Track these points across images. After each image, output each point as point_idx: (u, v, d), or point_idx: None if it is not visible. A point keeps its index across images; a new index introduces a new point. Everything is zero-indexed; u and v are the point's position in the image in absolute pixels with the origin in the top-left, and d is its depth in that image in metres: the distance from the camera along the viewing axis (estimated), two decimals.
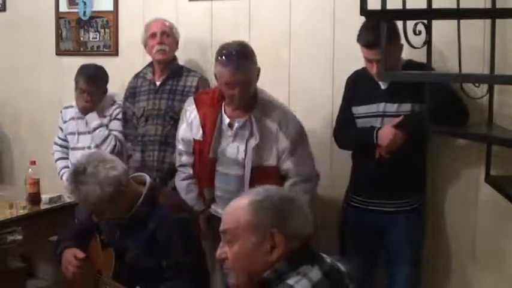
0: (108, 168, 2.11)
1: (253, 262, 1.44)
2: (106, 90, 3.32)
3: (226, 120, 2.62)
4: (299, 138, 2.61)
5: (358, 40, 2.56)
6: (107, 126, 3.26)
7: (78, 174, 2.11)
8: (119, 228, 2.22)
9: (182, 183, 2.77)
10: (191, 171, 2.75)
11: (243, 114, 2.59)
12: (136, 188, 2.22)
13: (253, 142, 2.56)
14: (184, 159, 2.76)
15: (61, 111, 3.47)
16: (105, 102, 3.32)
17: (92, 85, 3.22)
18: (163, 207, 2.19)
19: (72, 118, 3.38)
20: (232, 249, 1.46)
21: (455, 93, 2.50)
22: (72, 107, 3.40)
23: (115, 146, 3.21)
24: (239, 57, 2.48)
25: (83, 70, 3.25)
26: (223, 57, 2.50)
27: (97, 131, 3.24)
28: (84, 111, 3.27)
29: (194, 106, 2.70)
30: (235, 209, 1.49)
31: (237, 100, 2.54)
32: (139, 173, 2.39)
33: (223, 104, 2.64)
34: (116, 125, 3.28)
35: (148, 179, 2.27)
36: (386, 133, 2.53)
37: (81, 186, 2.09)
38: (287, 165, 2.59)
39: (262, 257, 1.42)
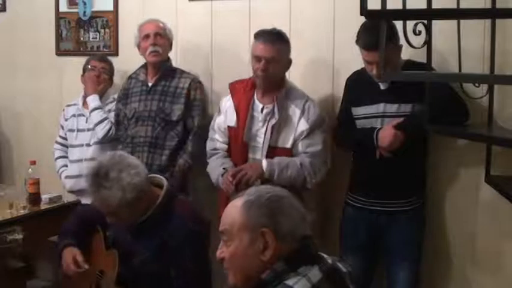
0: (133, 174, 2.07)
1: (247, 262, 1.45)
2: (112, 80, 3.42)
3: (259, 106, 2.75)
4: (318, 124, 2.70)
5: (357, 42, 2.55)
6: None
7: (99, 177, 2.06)
8: (130, 230, 2.18)
9: (217, 160, 2.83)
10: (225, 153, 2.85)
11: (272, 101, 2.71)
12: (154, 192, 2.19)
13: (273, 121, 2.67)
14: (219, 144, 2.87)
15: (63, 110, 3.49)
16: (106, 99, 3.35)
17: (103, 62, 3.36)
18: (179, 217, 2.14)
19: (73, 115, 3.40)
20: (228, 249, 1.48)
21: (455, 92, 2.50)
22: (74, 105, 3.43)
23: (110, 129, 3.22)
24: (271, 35, 2.68)
25: (93, 55, 3.46)
26: (258, 33, 2.73)
27: (96, 111, 3.25)
28: (91, 89, 3.31)
29: (229, 96, 2.84)
30: (231, 209, 1.50)
31: (259, 73, 2.67)
32: (155, 175, 2.34)
33: (255, 91, 2.77)
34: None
35: (165, 183, 2.22)
36: (386, 134, 2.53)
37: (103, 190, 2.05)
38: (298, 145, 2.69)
39: (256, 256, 1.43)
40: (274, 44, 2.66)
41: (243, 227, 1.45)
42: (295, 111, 2.70)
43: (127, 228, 2.19)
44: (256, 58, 2.69)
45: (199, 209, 2.40)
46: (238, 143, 2.75)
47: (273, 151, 2.67)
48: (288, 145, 2.68)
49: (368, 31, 2.47)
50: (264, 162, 2.63)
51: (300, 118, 2.69)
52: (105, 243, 2.29)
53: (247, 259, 1.45)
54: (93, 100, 3.29)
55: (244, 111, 2.74)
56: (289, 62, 2.76)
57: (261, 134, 2.72)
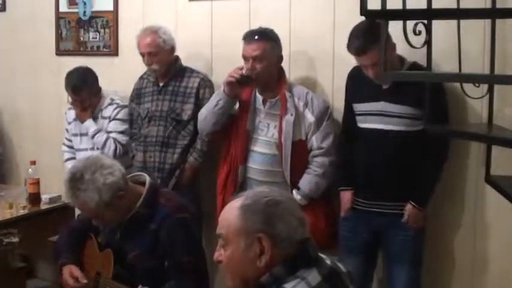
0: (106, 174, 2.09)
1: (244, 267, 1.44)
2: (99, 89, 3.32)
3: (260, 98, 2.85)
4: (323, 114, 2.80)
5: (348, 48, 2.57)
6: (106, 129, 3.27)
7: (75, 181, 2.08)
8: (118, 229, 2.21)
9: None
10: None
11: (273, 95, 2.81)
12: (135, 190, 2.20)
13: (290, 118, 2.74)
14: None
15: (65, 113, 3.48)
16: (103, 103, 3.31)
17: (80, 92, 3.23)
18: (164, 208, 2.17)
19: (75, 119, 3.38)
20: (225, 253, 1.47)
21: (443, 97, 2.54)
22: None
23: (115, 149, 3.21)
24: (254, 35, 2.76)
25: (67, 80, 3.26)
26: (244, 34, 2.81)
27: (95, 137, 3.24)
28: (82, 118, 3.28)
29: None
30: (228, 212, 1.49)
31: (248, 72, 2.72)
32: (138, 173, 2.37)
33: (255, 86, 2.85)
34: (116, 125, 3.27)
35: (148, 179, 2.25)
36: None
37: (79, 193, 2.07)
38: (312, 139, 2.78)
39: (252, 261, 1.42)
40: (258, 42, 2.74)
41: (239, 231, 1.44)
42: (298, 103, 2.79)
43: (116, 228, 2.21)
44: (244, 58, 2.78)
45: (184, 200, 2.39)
46: (240, 133, 2.82)
47: (292, 144, 2.75)
48: (302, 137, 2.78)
49: (355, 37, 2.50)
50: (296, 195, 2.71)
51: (304, 109, 2.77)
52: (98, 246, 2.29)
53: (244, 264, 1.44)
54: (90, 126, 3.26)
55: (246, 103, 2.84)
56: (279, 59, 2.83)
57: (263, 127, 2.82)
